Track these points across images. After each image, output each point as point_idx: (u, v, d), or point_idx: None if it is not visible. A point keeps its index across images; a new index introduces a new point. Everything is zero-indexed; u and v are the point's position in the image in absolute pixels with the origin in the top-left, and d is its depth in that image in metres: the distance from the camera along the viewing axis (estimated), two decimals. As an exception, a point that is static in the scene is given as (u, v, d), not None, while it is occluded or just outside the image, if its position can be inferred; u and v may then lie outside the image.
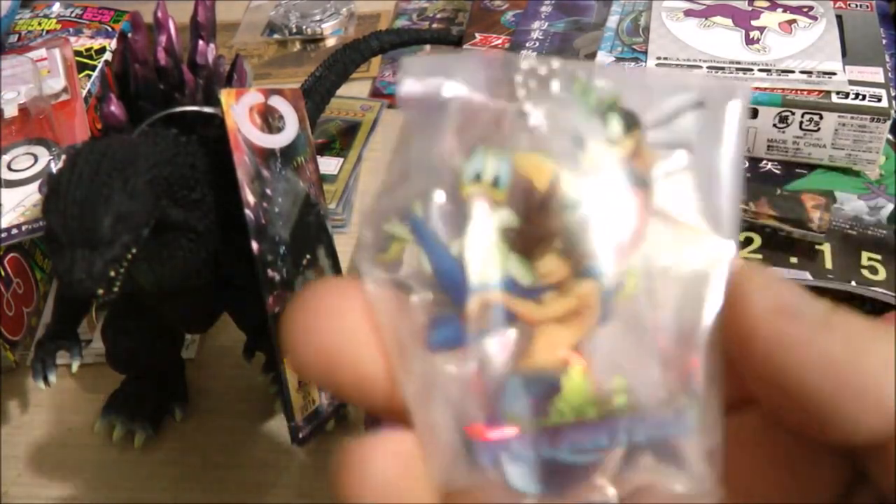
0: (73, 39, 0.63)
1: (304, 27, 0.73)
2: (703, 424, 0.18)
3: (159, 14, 0.41)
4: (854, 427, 0.18)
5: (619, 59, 0.52)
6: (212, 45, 0.42)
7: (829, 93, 0.48)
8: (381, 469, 0.18)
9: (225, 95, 0.40)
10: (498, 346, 0.18)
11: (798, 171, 0.49)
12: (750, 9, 0.55)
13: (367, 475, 0.18)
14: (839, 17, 0.53)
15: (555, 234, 0.18)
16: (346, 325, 0.18)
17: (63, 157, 0.35)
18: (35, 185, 0.51)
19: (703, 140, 0.19)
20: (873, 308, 0.43)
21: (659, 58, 0.51)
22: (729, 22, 0.54)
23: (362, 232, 0.19)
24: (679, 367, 0.18)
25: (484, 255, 0.18)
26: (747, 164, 0.50)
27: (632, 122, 0.19)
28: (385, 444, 0.18)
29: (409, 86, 0.19)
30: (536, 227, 0.18)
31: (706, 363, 0.18)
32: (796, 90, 0.49)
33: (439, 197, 0.18)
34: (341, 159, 0.61)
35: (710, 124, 0.19)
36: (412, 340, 0.18)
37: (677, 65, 0.51)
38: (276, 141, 0.40)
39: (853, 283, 0.43)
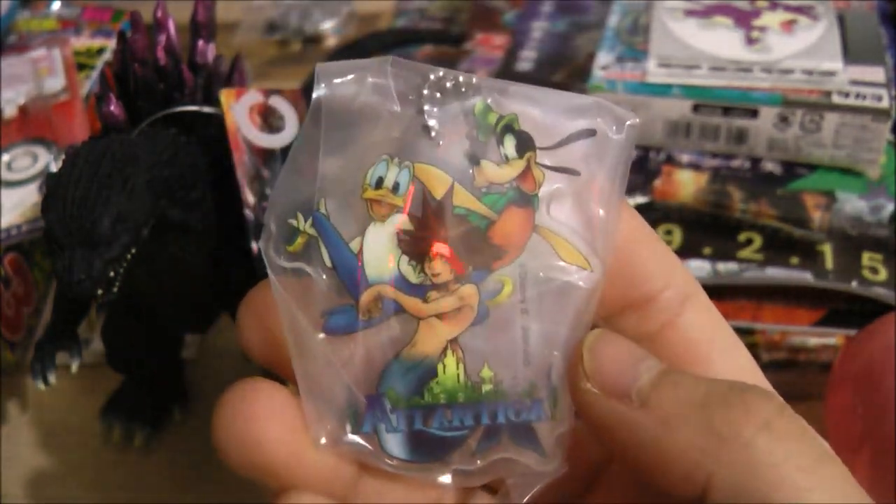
0: (72, 39, 0.63)
1: (304, 27, 0.73)
2: (555, 413, 0.22)
3: (159, 14, 0.40)
4: (670, 494, 0.20)
5: (619, 59, 0.52)
6: (212, 45, 0.42)
7: (829, 92, 0.48)
8: (269, 427, 0.21)
9: (225, 95, 0.40)
10: (386, 333, 0.21)
11: (799, 170, 0.49)
12: (750, 8, 0.54)
13: (255, 431, 0.21)
14: (840, 17, 0.53)
15: (444, 240, 0.21)
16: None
17: (62, 156, 0.35)
18: (35, 185, 0.51)
19: (591, 167, 0.21)
20: (874, 308, 0.43)
21: (660, 57, 0.51)
22: (729, 21, 0.53)
23: (268, 223, 0.21)
24: (539, 365, 0.21)
25: (379, 253, 0.21)
26: (749, 164, 0.50)
27: (525, 144, 0.21)
28: (272, 405, 0.21)
29: (323, 90, 0.20)
30: (429, 232, 0.21)
31: (562, 366, 0.21)
32: (797, 90, 0.49)
33: (343, 197, 0.21)
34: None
35: (599, 152, 0.21)
36: (310, 325, 0.21)
37: (678, 64, 0.51)
38: (276, 141, 0.40)
39: (854, 283, 0.43)
